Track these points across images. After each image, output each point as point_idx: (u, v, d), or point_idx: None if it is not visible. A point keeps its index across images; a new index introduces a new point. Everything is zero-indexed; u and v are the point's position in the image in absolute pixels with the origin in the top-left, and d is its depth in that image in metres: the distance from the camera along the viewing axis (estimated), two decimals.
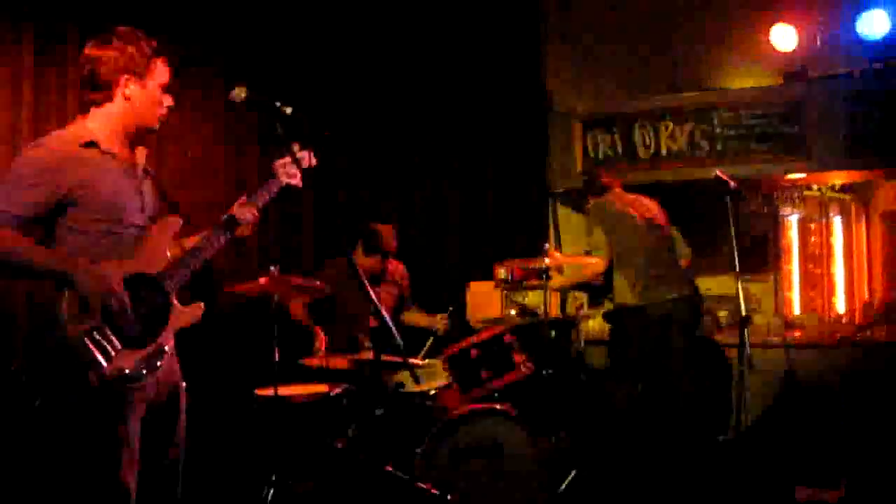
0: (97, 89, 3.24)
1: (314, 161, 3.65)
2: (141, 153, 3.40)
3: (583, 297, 7.55)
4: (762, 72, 7.88)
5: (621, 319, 6.47)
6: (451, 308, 6.17)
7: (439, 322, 6.06)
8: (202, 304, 3.35)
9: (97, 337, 3.01)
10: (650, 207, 6.39)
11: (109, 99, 3.25)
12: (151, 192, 3.40)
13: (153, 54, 3.29)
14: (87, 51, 3.26)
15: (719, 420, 6.48)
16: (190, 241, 3.43)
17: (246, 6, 6.31)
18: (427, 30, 7.62)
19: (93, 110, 3.26)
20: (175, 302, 3.27)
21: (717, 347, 6.87)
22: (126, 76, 3.23)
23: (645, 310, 6.15)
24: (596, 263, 6.30)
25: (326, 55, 6.87)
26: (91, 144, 3.17)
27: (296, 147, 3.54)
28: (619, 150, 8.09)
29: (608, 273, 6.35)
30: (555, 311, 7.04)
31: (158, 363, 3.16)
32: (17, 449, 4.41)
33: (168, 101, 3.36)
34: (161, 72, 3.32)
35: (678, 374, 6.13)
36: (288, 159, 3.57)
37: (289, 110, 3.40)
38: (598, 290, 7.06)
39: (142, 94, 3.27)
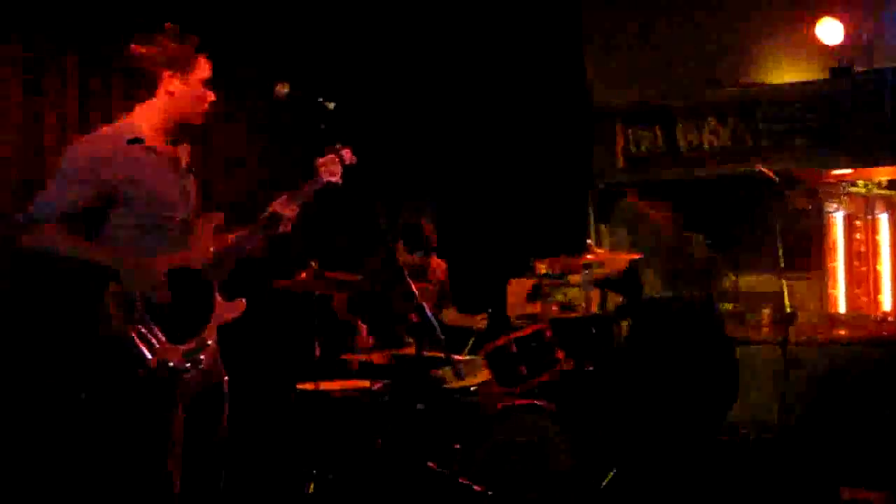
0: (141, 85, 3.28)
1: (354, 158, 3.67)
2: (184, 150, 3.43)
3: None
4: (807, 66, 7.76)
5: (636, 312, 6.48)
6: (489, 309, 6.16)
7: (478, 322, 6.05)
8: (244, 300, 3.38)
9: (142, 331, 3.05)
10: (665, 210, 6.41)
11: (153, 95, 3.29)
12: (194, 188, 3.44)
13: (195, 50, 3.33)
14: (131, 48, 3.29)
15: (717, 418, 6.42)
16: (232, 237, 3.46)
17: (293, 4, 6.34)
18: (470, 25, 7.60)
19: (137, 107, 3.30)
20: (218, 297, 3.29)
21: (729, 345, 6.79)
22: (168, 72, 3.27)
23: (658, 304, 6.17)
24: (621, 261, 6.29)
25: (365, 49, 6.88)
26: (137, 140, 3.21)
27: (338, 144, 3.56)
28: (661, 145, 8.02)
29: (629, 270, 6.35)
30: (595, 308, 7.00)
31: (201, 357, 3.19)
32: (64, 441, 4.47)
33: (210, 96, 3.39)
34: (203, 67, 3.35)
35: (681, 370, 6.11)
36: (329, 157, 3.59)
37: (331, 106, 3.42)
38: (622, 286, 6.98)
39: (184, 90, 3.31)
